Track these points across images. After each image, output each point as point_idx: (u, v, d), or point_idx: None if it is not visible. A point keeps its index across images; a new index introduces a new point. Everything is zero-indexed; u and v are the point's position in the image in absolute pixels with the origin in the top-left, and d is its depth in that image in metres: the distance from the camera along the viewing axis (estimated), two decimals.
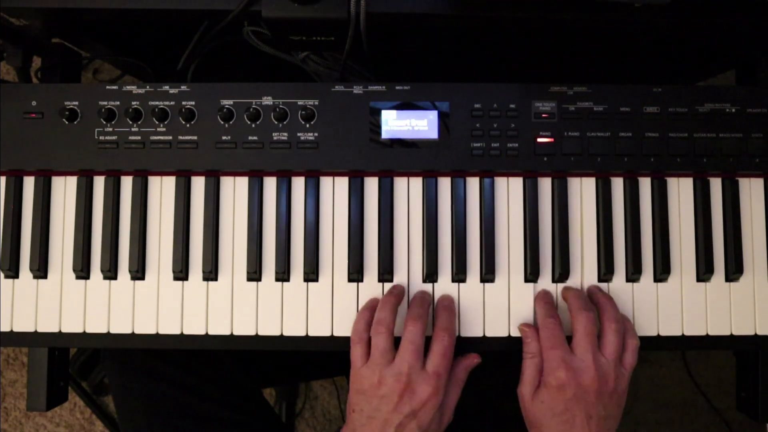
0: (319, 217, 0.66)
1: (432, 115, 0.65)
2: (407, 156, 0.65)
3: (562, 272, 0.65)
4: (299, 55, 0.73)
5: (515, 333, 0.64)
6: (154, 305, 0.65)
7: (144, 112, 0.65)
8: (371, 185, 0.66)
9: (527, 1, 0.62)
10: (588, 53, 0.87)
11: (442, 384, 0.58)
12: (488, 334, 0.65)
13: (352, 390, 0.60)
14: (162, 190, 0.66)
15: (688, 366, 1.37)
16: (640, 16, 0.63)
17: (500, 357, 0.65)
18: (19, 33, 0.68)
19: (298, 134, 0.65)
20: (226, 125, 0.65)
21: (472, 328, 0.65)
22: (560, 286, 0.65)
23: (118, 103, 0.65)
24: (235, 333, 0.65)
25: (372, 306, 0.63)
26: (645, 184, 0.66)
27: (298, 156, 0.65)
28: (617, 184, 0.66)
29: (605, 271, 0.65)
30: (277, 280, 0.65)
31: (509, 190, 0.66)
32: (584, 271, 0.66)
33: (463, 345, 0.64)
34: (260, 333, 0.65)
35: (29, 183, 0.66)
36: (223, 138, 0.65)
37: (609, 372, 0.58)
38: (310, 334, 0.65)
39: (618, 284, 0.65)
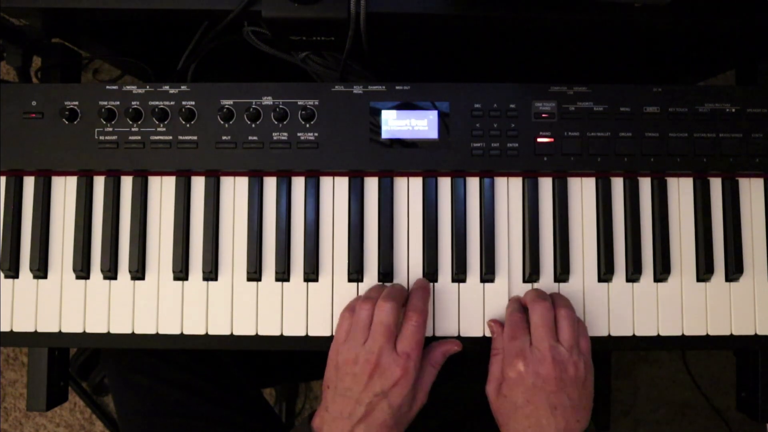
0: (319, 217, 0.66)
1: (432, 115, 0.65)
2: (407, 156, 0.65)
3: (562, 272, 0.65)
4: (299, 55, 0.73)
5: None
6: (154, 305, 0.65)
7: (144, 112, 0.65)
8: (371, 185, 0.66)
9: (527, 1, 0.62)
10: (588, 53, 0.87)
11: (412, 365, 0.58)
12: (488, 334, 0.64)
13: (329, 365, 0.61)
14: (162, 190, 0.66)
15: (688, 366, 1.37)
16: (640, 16, 0.63)
17: None
18: (19, 33, 0.68)
19: (298, 134, 0.65)
20: (226, 125, 0.65)
21: (471, 328, 0.65)
22: (561, 285, 0.65)
23: (118, 103, 0.65)
24: (235, 333, 0.65)
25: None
26: (645, 184, 0.66)
27: (298, 156, 0.65)
28: (617, 184, 0.66)
29: (605, 271, 0.65)
30: (277, 280, 0.65)
31: (509, 190, 0.66)
32: (584, 271, 0.66)
33: (463, 345, 0.64)
34: (260, 333, 0.65)
35: (29, 183, 0.66)
36: (223, 138, 0.65)
37: (566, 359, 0.58)
38: (310, 334, 0.65)
39: (618, 284, 0.65)
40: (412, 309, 0.60)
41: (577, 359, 0.58)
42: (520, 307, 0.63)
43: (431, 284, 0.65)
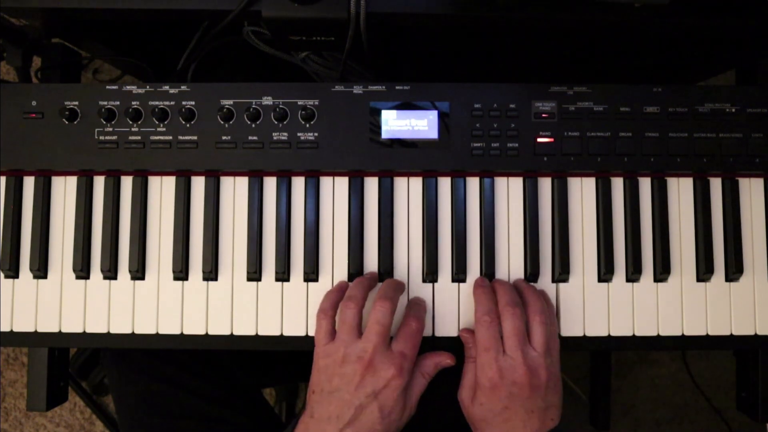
0: (319, 217, 0.66)
1: (432, 115, 0.65)
2: (407, 156, 0.65)
3: (562, 272, 0.65)
4: (299, 55, 0.73)
5: None
6: (154, 305, 0.65)
7: (144, 112, 0.65)
8: (371, 185, 0.66)
9: (527, 1, 0.62)
10: (588, 53, 0.87)
11: (406, 366, 0.57)
12: None
13: (314, 369, 0.59)
14: (162, 190, 0.66)
15: (688, 366, 1.37)
16: (640, 16, 0.63)
17: None
18: (19, 33, 0.68)
19: (298, 134, 0.65)
20: (226, 125, 0.65)
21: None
22: (561, 285, 0.65)
23: (118, 103, 0.65)
24: (235, 333, 0.65)
25: (341, 287, 0.63)
26: (645, 184, 0.66)
27: (298, 156, 0.65)
28: (617, 184, 0.66)
29: (605, 271, 0.65)
30: (277, 280, 0.65)
31: (509, 190, 0.66)
32: (584, 271, 0.66)
33: (461, 345, 0.64)
34: (260, 333, 0.65)
35: (29, 183, 0.66)
36: (223, 138, 0.65)
37: (539, 364, 0.58)
38: (310, 334, 0.65)
39: (618, 284, 0.65)
40: (414, 316, 0.60)
41: (549, 363, 0.59)
42: (489, 304, 0.61)
43: (431, 284, 0.65)
